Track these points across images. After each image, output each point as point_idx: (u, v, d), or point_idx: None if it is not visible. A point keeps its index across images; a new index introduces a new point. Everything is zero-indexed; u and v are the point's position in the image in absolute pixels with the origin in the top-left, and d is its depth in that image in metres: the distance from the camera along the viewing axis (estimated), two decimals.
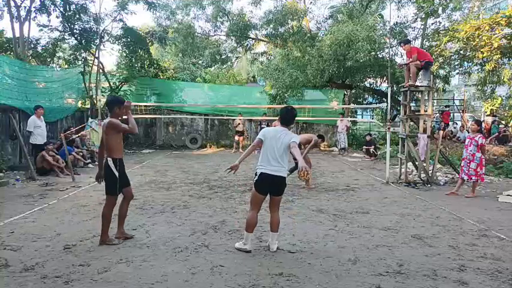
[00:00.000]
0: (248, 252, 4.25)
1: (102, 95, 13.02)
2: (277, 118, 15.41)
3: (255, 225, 4.35)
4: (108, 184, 4.50)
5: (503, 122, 16.71)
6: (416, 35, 17.94)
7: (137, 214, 5.88)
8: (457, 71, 16.16)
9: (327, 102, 18.54)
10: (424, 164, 8.86)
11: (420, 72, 8.89)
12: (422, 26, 17.50)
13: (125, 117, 4.60)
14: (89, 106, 15.13)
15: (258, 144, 4.38)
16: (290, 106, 4.60)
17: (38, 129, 9.37)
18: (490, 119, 16.18)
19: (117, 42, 16.41)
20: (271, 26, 18.49)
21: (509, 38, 10.64)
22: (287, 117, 4.38)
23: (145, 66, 17.45)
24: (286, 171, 4.29)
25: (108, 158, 4.46)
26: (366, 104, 20.63)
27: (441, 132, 10.47)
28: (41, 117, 9.54)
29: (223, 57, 23.55)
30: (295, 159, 4.44)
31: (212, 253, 4.28)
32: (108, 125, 4.43)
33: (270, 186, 4.24)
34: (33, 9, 13.01)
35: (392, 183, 8.82)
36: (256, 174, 4.27)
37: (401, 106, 9.67)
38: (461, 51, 12.62)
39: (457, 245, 4.61)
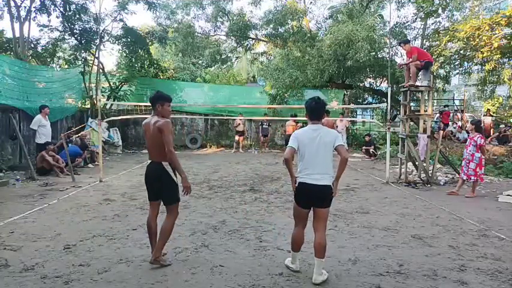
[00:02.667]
0: (296, 272, 3.75)
1: (102, 95, 13.02)
2: (276, 118, 15.61)
3: (301, 243, 3.73)
4: (171, 193, 3.89)
5: (503, 122, 16.72)
6: (416, 35, 17.95)
7: (137, 214, 5.88)
8: (457, 71, 16.16)
9: (327, 102, 18.53)
10: (424, 164, 8.86)
11: (420, 72, 8.89)
12: (422, 26, 17.51)
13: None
14: (89, 106, 15.14)
15: (292, 154, 3.59)
16: (317, 97, 3.78)
17: (42, 129, 9.46)
18: (488, 119, 16.18)
19: (117, 42, 16.42)
20: (271, 26, 18.51)
21: (509, 38, 10.65)
22: (317, 110, 3.65)
23: (145, 66, 17.45)
24: (331, 178, 3.59)
25: (164, 163, 3.83)
26: (366, 104, 20.63)
27: (441, 132, 10.47)
28: (46, 116, 9.67)
29: (223, 57, 23.58)
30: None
31: (212, 253, 4.28)
32: (168, 125, 3.81)
33: (311, 198, 3.58)
34: (33, 9, 13.01)
35: (392, 183, 8.82)
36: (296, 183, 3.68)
37: (401, 106, 9.68)
38: (461, 51, 12.62)
39: (457, 245, 4.61)
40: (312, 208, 3.65)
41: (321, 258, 3.55)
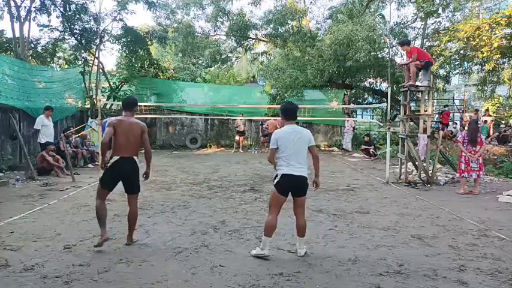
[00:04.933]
0: (267, 257, 4.09)
1: (102, 95, 13.00)
2: (277, 118, 15.63)
3: (275, 229, 4.20)
4: (138, 183, 4.60)
5: (503, 122, 16.72)
6: (416, 35, 17.93)
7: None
8: (457, 71, 16.14)
9: (327, 102, 18.54)
10: (424, 164, 8.86)
11: (420, 72, 8.89)
12: (422, 26, 17.49)
13: None
14: (88, 106, 15.13)
15: (274, 154, 4.24)
16: (289, 101, 4.53)
17: (44, 129, 9.52)
18: (488, 119, 16.17)
19: (117, 42, 16.42)
20: (271, 26, 18.48)
21: (509, 38, 10.63)
22: (292, 112, 4.28)
23: (145, 66, 17.46)
24: (307, 171, 4.17)
25: (135, 157, 4.49)
26: (366, 104, 20.63)
27: (441, 132, 10.48)
28: (49, 117, 9.72)
29: (223, 57, 23.53)
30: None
31: (212, 253, 4.28)
32: (147, 128, 4.61)
33: (292, 187, 4.13)
34: (33, 9, 13.01)
35: (392, 183, 8.81)
36: (276, 176, 4.16)
37: (401, 106, 9.67)
38: (461, 51, 12.61)
39: (457, 245, 4.61)
40: (289, 196, 4.17)
41: (302, 236, 4.24)
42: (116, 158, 4.41)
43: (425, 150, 8.74)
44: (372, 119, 22.26)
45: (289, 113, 4.27)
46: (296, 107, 4.33)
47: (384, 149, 11.82)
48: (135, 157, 4.48)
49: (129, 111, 4.58)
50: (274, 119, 15.35)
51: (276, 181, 4.15)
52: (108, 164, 4.43)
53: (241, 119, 15.53)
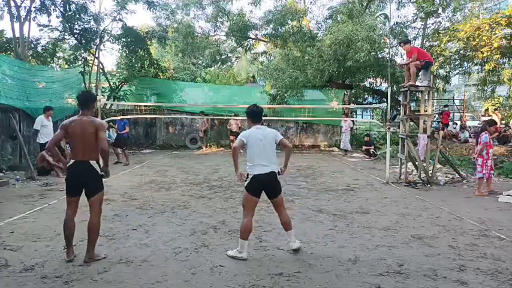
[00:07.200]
0: (244, 260, 4.07)
1: (102, 95, 13.01)
2: (276, 118, 15.63)
3: (251, 231, 4.23)
4: (99, 185, 4.12)
5: (503, 122, 16.72)
6: (416, 35, 17.94)
7: (137, 214, 5.88)
8: (457, 71, 16.14)
9: (327, 102, 18.53)
10: (424, 164, 8.86)
11: (420, 72, 8.89)
12: (422, 26, 17.50)
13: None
14: None
15: (240, 146, 4.25)
16: (255, 104, 4.54)
17: (44, 129, 9.49)
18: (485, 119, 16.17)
19: (117, 42, 16.43)
20: (271, 26, 18.47)
21: (509, 38, 10.63)
22: (257, 114, 4.41)
23: (145, 66, 17.45)
24: (277, 167, 4.26)
25: (91, 161, 4.06)
26: (366, 104, 20.63)
27: (441, 132, 10.47)
28: (49, 117, 9.70)
29: (223, 57, 23.54)
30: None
31: (212, 253, 4.29)
32: (103, 126, 4.11)
33: (264, 186, 4.20)
34: (33, 9, 13.03)
35: (392, 183, 8.81)
36: (247, 177, 4.24)
37: (401, 106, 9.67)
38: (461, 51, 12.61)
39: (457, 245, 4.61)
40: (262, 197, 4.25)
41: (290, 230, 4.31)
42: (71, 162, 4.12)
43: (425, 150, 8.74)
44: (372, 119, 22.26)
45: (254, 116, 4.40)
46: (261, 110, 4.45)
47: (384, 149, 11.82)
48: (91, 161, 4.03)
49: (86, 109, 4.10)
50: (235, 118, 15.50)
51: (247, 183, 4.22)
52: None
53: (234, 119, 15.47)
